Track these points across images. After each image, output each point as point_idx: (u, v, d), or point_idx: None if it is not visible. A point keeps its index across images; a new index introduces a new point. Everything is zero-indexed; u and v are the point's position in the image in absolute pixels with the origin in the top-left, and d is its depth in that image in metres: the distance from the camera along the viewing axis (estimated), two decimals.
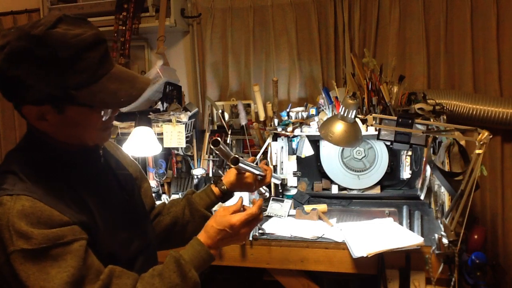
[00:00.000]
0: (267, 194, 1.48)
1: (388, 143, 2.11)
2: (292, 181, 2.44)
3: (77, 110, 0.94)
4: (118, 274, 0.95)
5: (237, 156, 1.22)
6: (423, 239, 1.75)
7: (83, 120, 0.96)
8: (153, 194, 1.54)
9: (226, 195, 1.37)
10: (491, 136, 1.57)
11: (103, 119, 0.99)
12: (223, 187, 1.36)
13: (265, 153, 2.36)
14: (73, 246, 0.89)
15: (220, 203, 1.39)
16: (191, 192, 1.38)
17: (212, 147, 1.24)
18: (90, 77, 0.91)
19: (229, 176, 1.37)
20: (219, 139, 1.22)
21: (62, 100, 0.91)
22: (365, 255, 1.68)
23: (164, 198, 2.41)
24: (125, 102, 0.96)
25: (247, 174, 1.36)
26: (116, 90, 0.93)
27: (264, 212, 2.19)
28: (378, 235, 1.83)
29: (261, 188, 1.44)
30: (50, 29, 0.88)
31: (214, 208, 1.38)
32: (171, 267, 1.03)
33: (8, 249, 0.86)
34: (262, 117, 2.49)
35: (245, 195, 2.23)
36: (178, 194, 2.44)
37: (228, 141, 2.50)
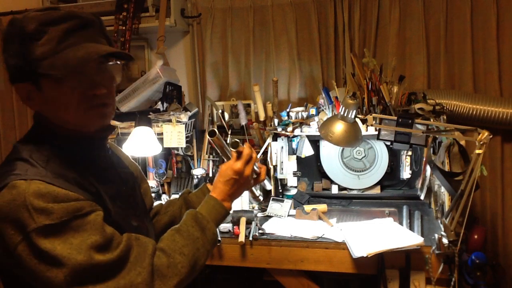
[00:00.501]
0: (261, 198, 1.47)
1: (388, 143, 2.11)
2: (292, 181, 2.44)
3: (48, 84, 0.95)
4: (135, 237, 0.99)
5: (215, 130, 1.23)
6: (423, 239, 1.75)
7: (57, 95, 0.96)
8: (153, 194, 1.55)
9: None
10: (491, 136, 1.57)
11: (76, 92, 0.96)
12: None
13: (265, 153, 2.36)
14: (91, 217, 0.92)
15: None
16: (187, 191, 1.39)
17: (208, 137, 1.24)
18: (53, 48, 0.93)
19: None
20: (215, 129, 1.23)
21: (30, 72, 0.94)
22: (365, 255, 1.68)
23: (164, 198, 2.41)
24: (77, 64, 0.92)
25: None
26: (72, 56, 0.93)
27: (264, 212, 2.19)
28: (378, 235, 1.83)
29: (254, 190, 1.42)
30: (31, 12, 0.96)
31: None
32: (189, 222, 1.09)
33: (28, 228, 0.86)
34: (262, 117, 2.48)
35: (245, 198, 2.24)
36: (178, 194, 2.44)
37: (228, 141, 2.50)
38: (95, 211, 0.93)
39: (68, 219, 0.88)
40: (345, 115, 1.83)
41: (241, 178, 1.21)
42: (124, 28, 2.68)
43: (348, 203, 2.35)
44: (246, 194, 2.24)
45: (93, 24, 1.00)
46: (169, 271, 0.98)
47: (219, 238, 1.10)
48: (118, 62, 1.03)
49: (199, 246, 1.07)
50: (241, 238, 1.88)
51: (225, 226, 1.99)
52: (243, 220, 1.98)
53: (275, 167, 2.35)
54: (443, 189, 1.92)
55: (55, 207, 0.88)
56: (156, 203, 1.42)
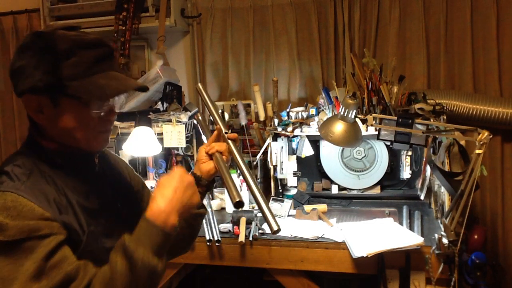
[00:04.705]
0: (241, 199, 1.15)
1: (388, 143, 2.11)
2: (292, 181, 2.44)
3: (69, 103, 0.97)
4: (84, 266, 0.93)
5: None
6: (423, 239, 1.75)
7: (75, 115, 0.99)
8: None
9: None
10: (491, 136, 1.57)
11: (95, 116, 1.01)
12: (199, 179, 1.23)
13: (265, 153, 2.36)
14: (48, 240, 0.89)
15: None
16: None
17: (197, 87, 1.23)
18: (83, 71, 0.96)
19: (201, 167, 1.26)
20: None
21: (55, 89, 0.96)
22: (365, 255, 1.68)
23: None
24: (110, 95, 0.99)
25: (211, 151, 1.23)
26: (104, 85, 0.97)
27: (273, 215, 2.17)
28: (378, 235, 1.83)
29: (231, 184, 1.17)
30: (58, 30, 0.98)
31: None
32: (116, 255, 0.93)
33: None
34: (262, 117, 2.49)
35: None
36: None
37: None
38: (54, 235, 0.90)
39: (22, 239, 0.87)
40: (345, 115, 1.83)
41: (180, 180, 1.01)
42: (124, 28, 2.68)
43: (348, 203, 2.35)
44: (246, 194, 2.25)
45: (114, 53, 1.05)
46: None
47: (156, 265, 0.94)
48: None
49: (128, 277, 0.90)
50: (241, 238, 1.88)
51: (225, 226, 1.99)
52: (243, 220, 1.98)
53: (275, 167, 2.35)
54: (443, 189, 1.92)
55: (10, 224, 0.87)
56: None
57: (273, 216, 1.08)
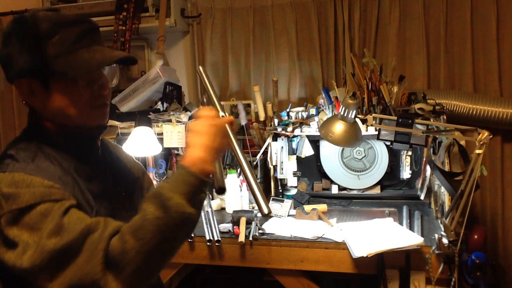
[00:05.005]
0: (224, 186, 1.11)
1: (388, 143, 2.11)
2: (292, 181, 2.44)
3: (58, 83, 0.98)
4: (104, 220, 0.91)
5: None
6: (423, 239, 1.75)
7: (66, 93, 0.99)
8: None
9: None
10: (491, 136, 1.57)
11: (85, 91, 1.01)
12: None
13: (265, 153, 2.36)
14: (61, 202, 0.89)
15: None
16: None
17: (198, 71, 1.20)
18: (66, 48, 0.96)
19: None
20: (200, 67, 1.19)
21: (42, 69, 0.96)
22: (365, 255, 1.68)
23: None
24: (96, 66, 0.99)
25: None
26: (89, 58, 0.98)
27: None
28: (378, 235, 1.83)
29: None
30: (39, 11, 0.98)
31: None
32: (148, 200, 0.90)
33: None
34: (262, 117, 2.49)
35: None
36: None
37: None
38: (67, 199, 0.91)
39: (36, 203, 0.87)
40: (345, 115, 1.83)
41: (216, 125, 0.98)
42: (124, 28, 2.68)
43: (348, 203, 2.35)
44: (246, 194, 2.25)
45: (98, 29, 1.05)
46: (122, 258, 0.85)
47: (191, 213, 0.89)
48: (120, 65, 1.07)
49: (161, 226, 0.86)
50: (241, 238, 1.88)
51: (225, 226, 1.99)
52: (243, 220, 1.98)
53: (275, 167, 2.35)
54: (443, 189, 1.92)
55: (21, 191, 0.88)
56: None
57: (265, 200, 1.06)
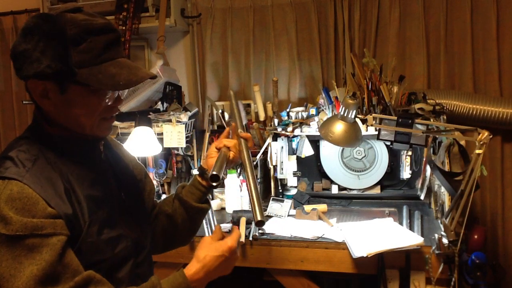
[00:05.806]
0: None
1: (388, 143, 2.11)
2: (292, 181, 2.44)
3: (77, 90, 0.96)
4: (97, 280, 0.93)
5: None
6: (423, 239, 1.75)
7: (83, 101, 0.98)
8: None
9: (213, 179, 1.20)
10: (491, 136, 1.57)
11: (103, 103, 1.00)
12: (207, 172, 1.25)
13: (265, 153, 2.36)
14: (51, 240, 0.88)
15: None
16: (181, 187, 1.30)
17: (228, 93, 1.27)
18: (92, 58, 0.94)
19: (208, 161, 1.29)
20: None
21: (64, 76, 0.94)
22: (365, 255, 1.68)
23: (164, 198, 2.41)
24: (123, 86, 0.97)
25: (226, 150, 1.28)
26: (115, 74, 0.96)
27: (264, 212, 2.18)
28: (378, 235, 1.83)
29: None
30: (65, 12, 0.95)
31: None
32: None
33: None
34: (262, 117, 2.49)
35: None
36: None
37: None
38: (57, 235, 0.89)
39: (24, 235, 0.86)
40: (345, 115, 1.83)
41: (231, 258, 1.10)
42: (124, 28, 2.67)
43: (348, 203, 2.35)
44: (246, 194, 2.25)
45: (121, 38, 1.03)
46: None
47: None
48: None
49: None
50: (241, 238, 1.87)
51: (225, 226, 1.99)
52: (243, 220, 1.98)
53: (275, 167, 2.35)
54: (443, 189, 1.92)
55: (13, 218, 0.86)
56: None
57: (261, 209, 1.14)
